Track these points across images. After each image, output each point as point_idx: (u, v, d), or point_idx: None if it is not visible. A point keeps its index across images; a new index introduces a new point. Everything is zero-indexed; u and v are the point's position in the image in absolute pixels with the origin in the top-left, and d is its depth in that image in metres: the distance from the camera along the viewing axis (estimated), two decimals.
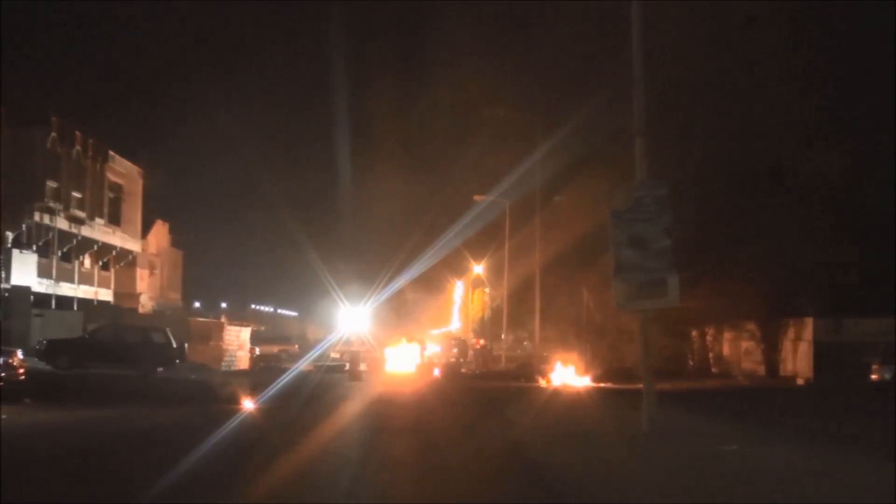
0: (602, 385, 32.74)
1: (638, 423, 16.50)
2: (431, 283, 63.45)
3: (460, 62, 42.68)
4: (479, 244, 55.53)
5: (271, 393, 24.88)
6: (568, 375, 34.90)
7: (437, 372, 41.64)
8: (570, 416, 21.50)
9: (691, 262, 27.04)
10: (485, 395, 28.32)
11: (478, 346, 51.77)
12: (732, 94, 34.44)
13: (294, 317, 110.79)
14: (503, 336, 56.37)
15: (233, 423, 17.96)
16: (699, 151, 33.45)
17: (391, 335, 49.80)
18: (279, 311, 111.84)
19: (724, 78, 34.34)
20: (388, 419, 20.39)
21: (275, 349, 59.75)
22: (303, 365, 40.40)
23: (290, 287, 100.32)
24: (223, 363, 41.14)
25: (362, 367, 40.10)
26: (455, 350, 53.27)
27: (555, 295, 42.97)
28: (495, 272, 56.20)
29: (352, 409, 23.00)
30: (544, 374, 35.96)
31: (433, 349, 54.98)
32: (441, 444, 15.93)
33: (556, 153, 38.16)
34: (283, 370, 36.84)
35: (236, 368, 42.63)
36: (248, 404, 21.98)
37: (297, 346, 63.67)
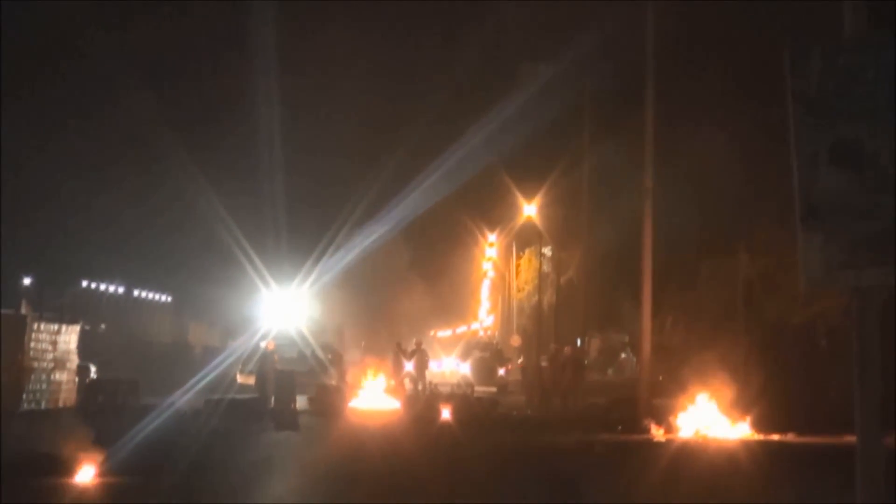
0: (780, 438, 22.41)
1: None
2: (438, 241, 41.49)
3: None
4: (528, 170, 37.13)
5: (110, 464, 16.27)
6: (708, 418, 23.38)
7: (446, 414, 25.98)
8: None
9: None
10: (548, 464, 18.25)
11: (529, 358, 33.92)
12: None
13: (166, 306, 72.51)
14: (581, 341, 36.89)
15: None
16: None
17: (362, 341, 33.67)
18: (139, 294, 71.69)
19: None
20: None
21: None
22: (181, 399, 26.54)
23: (158, 253, 60.51)
24: (24, 397, 26.09)
25: (300, 403, 27.29)
26: (479, 364, 36.01)
27: (681, 272, 28.96)
28: (560, 225, 37.61)
29: None
30: (662, 417, 23.97)
31: (452, 364, 37.48)
32: None
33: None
34: (140, 410, 24.64)
35: (50, 406, 27.66)
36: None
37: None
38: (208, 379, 29.52)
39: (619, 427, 23.72)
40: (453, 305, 45.96)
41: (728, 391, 23.07)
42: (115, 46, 44.08)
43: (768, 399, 22.91)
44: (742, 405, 23.04)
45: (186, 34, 50.18)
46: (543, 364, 31.01)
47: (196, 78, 48.40)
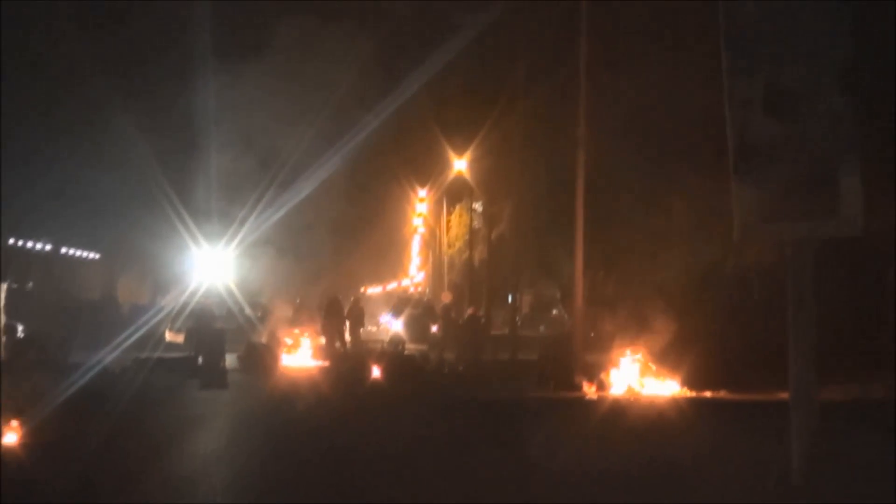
0: (710, 395, 22.84)
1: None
2: (368, 197, 41.82)
3: None
4: (460, 123, 36.96)
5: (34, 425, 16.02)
6: (637, 375, 23.61)
7: (376, 372, 25.71)
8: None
9: None
10: (479, 422, 18.69)
11: (460, 313, 33.87)
12: None
13: (94, 263, 70.96)
14: (512, 297, 37.18)
15: None
16: None
17: (297, 298, 33.32)
18: (68, 251, 70.48)
19: None
20: None
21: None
22: (108, 357, 26.30)
23: (87, 209, 60.07)
24: None
25: (228, 361, 27.16)
26: (412, 321, 36.06)
27: (613, 220, 28.30)
28: (491, 179, 37.11)
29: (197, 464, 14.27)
30: (594, 375, 24.03)
31: (389, 320, 37.24)
32: None
33: None
34: (68, 368, 24.48)
35: None
36: None
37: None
38: (136, 336, 29.49)
39: (551, 382, 23.77)
40: (384, 262, 45.88)
41: (660, 346, 23.47)
42: None
43: (700, 353, 23.31)
44: (674, 360, 23.45)
45: None
46: (460, 318, 30.99)
47: (129, 18, 47.22)
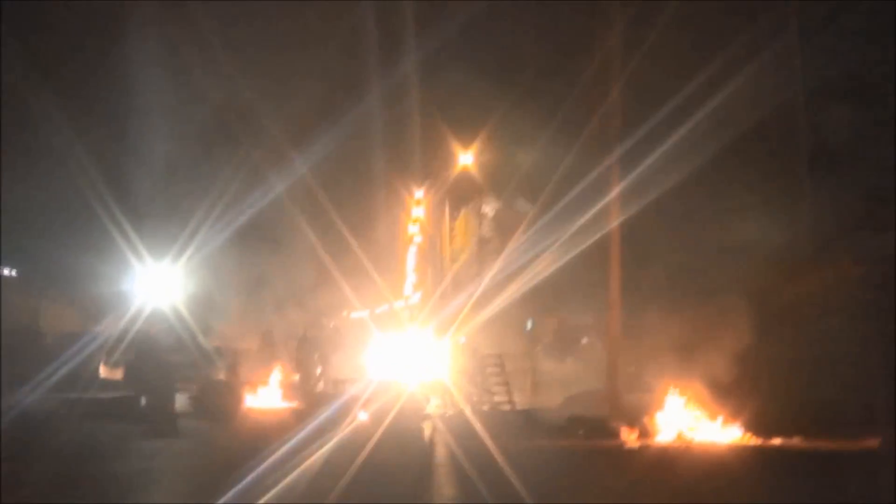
0: (780, 442, 23.53)
1: None
2: (352, 201, 42.51)
3: None
4: (466, 109, 38.11)
5: None
6: (692, 418, 24.83)
7: (362, 416, 26.85)
8: None
9: None
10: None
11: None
12: None
13: (10, 281, 73.44)
14: (531, 323, 38.67)
15: None
16: None
17: (263, 326, 34.16)
18: None
19: None
20: None
21: None
22: (28, 398, 26.71)
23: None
24: None
25: (179, 402, 28.32)
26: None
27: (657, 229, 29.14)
28: (507, 174, 38.43)
29: None
30: (636, 418, 25.12)
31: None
32: None
33: None
34: None
35: None
36: None
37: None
38: (63, 372, 29.32)
39: (580, 431, 24.22)
40: (370, 281, 46.07)
41: (716, 385, 23.92)
42: None
43: (767, 394, 23.75)
44: (735, 402, 24.01)
45: None
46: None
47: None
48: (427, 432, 25.30)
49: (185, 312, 35.27)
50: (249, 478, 17.65)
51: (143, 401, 27.35)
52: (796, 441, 22.94)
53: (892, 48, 25.80)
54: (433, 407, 29.31)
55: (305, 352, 31.06)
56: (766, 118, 24.64)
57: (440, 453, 22.61)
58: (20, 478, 17.98)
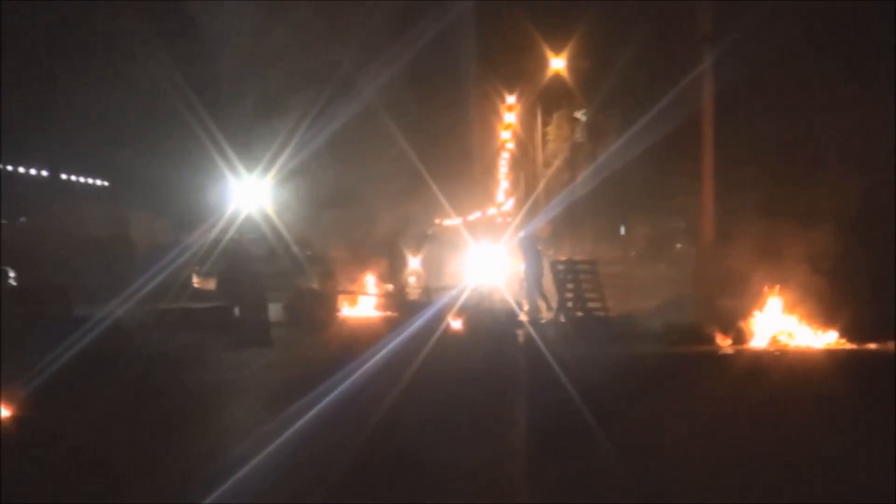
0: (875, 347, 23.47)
1: None
2: (442, 109, 40.64)
3: None
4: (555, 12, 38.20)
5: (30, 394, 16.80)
6: (787, 323, 24.64)
7: (455, 324, 26.96)
8: None
9: None
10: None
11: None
12: None
13: (101, 192, 68.73)
14: (623, 228, 39.32)
15: None
16: None
17: (356, 234, 34.35)
18: (69, 177, 70.00)
19: None
20: None
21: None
22: (119, 309, 26.54)
23: (91, 126, 57.31)
24: None
25: (272, 312, 27.80)
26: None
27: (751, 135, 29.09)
28: (599, 80, 38.00)
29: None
30: (730, 323, 25.01)
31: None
32: None
33: None
34: (70, 323, 24.30)
35: None
36: None
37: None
38: (155, 283, 29.49)
39: (675, 337, 24.37)
40: (462, 188, 46.13)
41: (811, 289, 23.94)
42: None
43: (862, 299, 23.97)
44: (830, 306, 23.99)
45: None
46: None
47: None
48: (521, 339, 25.33)
49: (277, 222, 35.49)
50: (341, 388, 17.68)
51: (237, 311, 27.40)
52: (892, 346, 22.92)
53: None
54: (526, 313, 29.31)
55: (399, 260, 31.23)
56: None
57: (531, 363, 22.63)
58: (111, 389, 17.99)
